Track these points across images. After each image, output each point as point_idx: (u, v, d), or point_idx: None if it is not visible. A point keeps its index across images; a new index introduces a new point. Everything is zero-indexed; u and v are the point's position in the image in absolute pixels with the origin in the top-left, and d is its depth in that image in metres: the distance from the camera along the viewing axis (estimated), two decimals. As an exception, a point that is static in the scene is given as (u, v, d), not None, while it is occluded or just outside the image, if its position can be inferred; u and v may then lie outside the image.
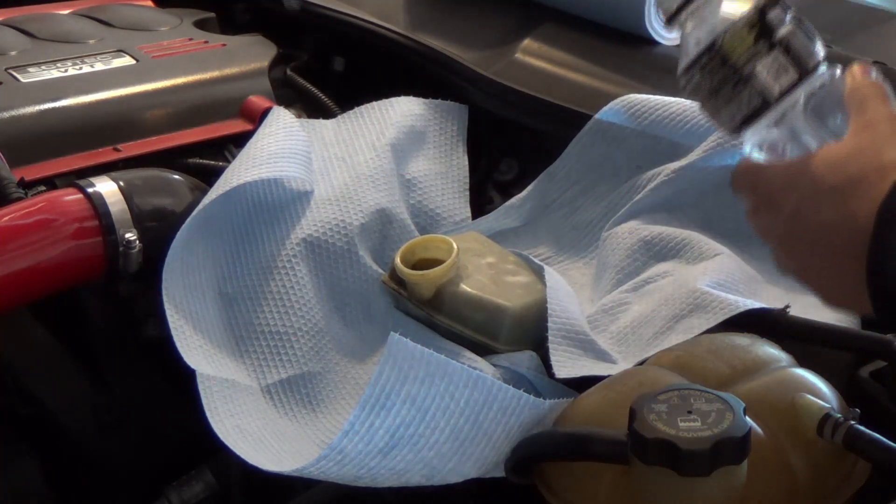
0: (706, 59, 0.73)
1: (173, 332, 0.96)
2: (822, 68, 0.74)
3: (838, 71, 0.74)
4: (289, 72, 1.35)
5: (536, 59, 1.26)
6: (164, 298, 0.97)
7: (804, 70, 0.72)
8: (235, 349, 1.01)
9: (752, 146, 0.76)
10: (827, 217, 0.68)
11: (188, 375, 0.94)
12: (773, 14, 0.72)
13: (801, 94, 0.73)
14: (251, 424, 0.94)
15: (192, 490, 1.08)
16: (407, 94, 1.25)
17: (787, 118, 0.74)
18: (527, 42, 1.29)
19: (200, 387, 0.93)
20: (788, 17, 0.73)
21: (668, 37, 1.25)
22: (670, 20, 0.78)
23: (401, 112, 1.22)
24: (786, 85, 0.72)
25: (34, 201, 1.01)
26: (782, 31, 0.72)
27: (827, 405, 0.77)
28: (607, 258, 1.07)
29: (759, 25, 0.72)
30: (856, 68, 0.74)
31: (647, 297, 0.99)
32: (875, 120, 0.69)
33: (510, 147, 1.28)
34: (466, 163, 1.22)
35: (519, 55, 1.27)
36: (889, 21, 1.43)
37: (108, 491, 1.15)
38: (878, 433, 0.75)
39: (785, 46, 0.72)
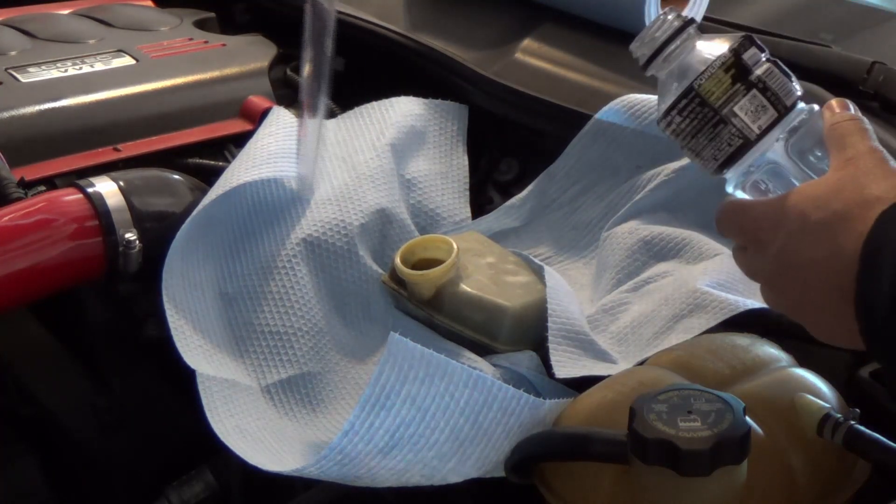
0: (685, 102, 0.74)
1: (173, 332, 0.96)
2: (800, 105, 0.75)
3: (816, 107, 0.75)
4: (289, 72, 1.35)
5: (536, 59, 1.26)
6: (164, 298, 0.97)
7: (782, 108, 0.73)
8: (235, 349, 1.01)
9: (735, 186, 0.77)
10: (815, 254, 0.68)
11: (188, 375, 0.94)
12: (749, 54, 0.74)
13: (780, 133, 0.74)
14: (251, 424, 0.94)
15: (192, 490, 1.08)
16: (407, 94, 1.25)
17: (768, 156, 0.74)
18: (527, 42, 1.28)
19: (200, 387, 0.93)
20: (763, 56, 0.74)
21: (668, 37, 1.24)
22: (646, 66, 0.78)
23: (401, 112, 1.22)
24: (765, 124, 0.73)
25: (34, 201, 1.01)
26: (758, 71, 0.74)
27: (827, 405, 0.77)
28: (607, 258, 1.07)
29: (736, 66, 0.73)
30: (833, 103, 0.74)
31: (647, 297, 0.99)
32: (856, 155, 0.70)
33: (510, 147, 1.28)
34: (466, 163, 1.22)
35: (519, 55, 1.27)
36: (889, 21, 1.44)
37: (108, 491, 1.15)
38: (878, 433, 0.75)
39: (762, 86, 0.73)
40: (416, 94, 1.25)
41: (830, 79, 1.10)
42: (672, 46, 0.77)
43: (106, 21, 1.42)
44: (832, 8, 1.47)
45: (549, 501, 0.82)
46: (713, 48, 0.75)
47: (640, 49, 0.78)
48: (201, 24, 1.46)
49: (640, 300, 0.99)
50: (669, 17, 0.77)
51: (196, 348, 0.97)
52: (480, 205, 1.24)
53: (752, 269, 0.75)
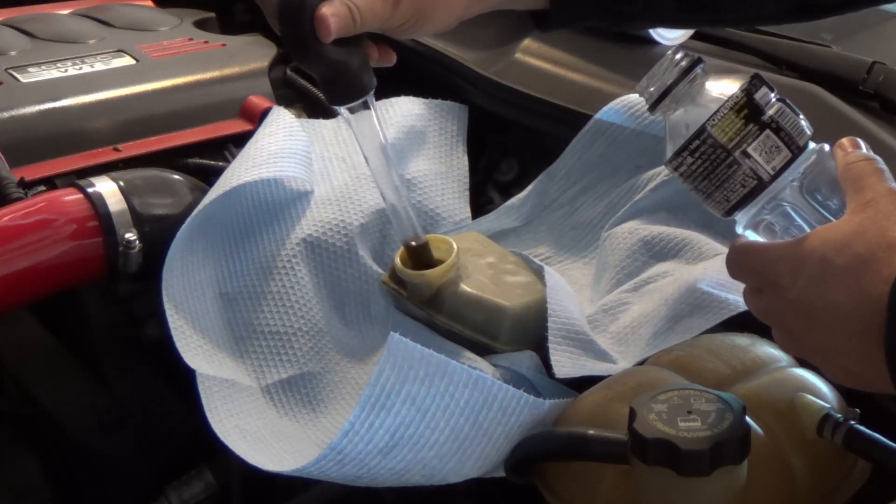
0: (696, 143, 0.73)
1: (173, 333, 0.96)
2: (812, 145, 0.74)
3: (826, 147, 0.74)
4: (289, 72, 1.35)
5: (536, 59, 1.26)
6: (164, 298, 0.97)
7: (796, 148, 0.73)
8: (235, 349, 1.01)
9: (745, 227, 0.76)
10: (838, 298, 0.67)
11: (188, 375, 0.94)
12: (760, 94, 0.73)
13: (794, 173, 0.73)
14: (251, 424, 0.94)
15: (192, 490, 1.08)
16: (407, 94, 1.25)
17: (782, 197, 0.74)
18: (527, 42, 1.28)
19: (200, 387, 0.93)
20: (773, 95, 0.74)
21: (668, 37, 1.24)
22: (653, 107, 0.77)
23: (401, 112, 1.22)
24: (779, 165, 0.72)
25: (34, 201, 1.01)
26: (770, 111, 0.73)
27: (827, 405, 0.77)
28: (607, 258, 1.07)
29: (748, 106, 0.72)
30: (845, 142, 0.74)
31: (647, 297, 0.99)
32: (875, 197, 0.69)
33: (510, 147, 1.28)
34: (466, 163, 1.22)
35: (519, 55, 1.27)
36: (889, 21, 1.44)
37: (108, 491, 1.15)
38: (878, 433, 0.75)
39: (775, 126, 0.72)
40: (416, 94, 1.25)
41: (830, 79, 1.10)
42: (680, 88, 0.76)
43: (106, 21, 1.42)
44: (832, 8, 1.47)
45: (549, 501, 0.82)
46: (722, 88, 0.74)
47: (646, 91, 0.77)
48: (201, 24, 1.46)
49: (640, 300, 0.99)
50: (677, 56, 0.76)
51: (196, 348, 0.97)
52: (480, 205, 1.24)
53: (768, 313, 0.73)
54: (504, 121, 1.25)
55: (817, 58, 1.14)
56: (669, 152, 0.75)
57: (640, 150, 1.13)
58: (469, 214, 1.19)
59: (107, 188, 1.02)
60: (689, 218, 1.07)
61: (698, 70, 0.76)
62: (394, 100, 1.24)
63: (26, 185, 1.06)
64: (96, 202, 1.00)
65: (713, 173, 0.73)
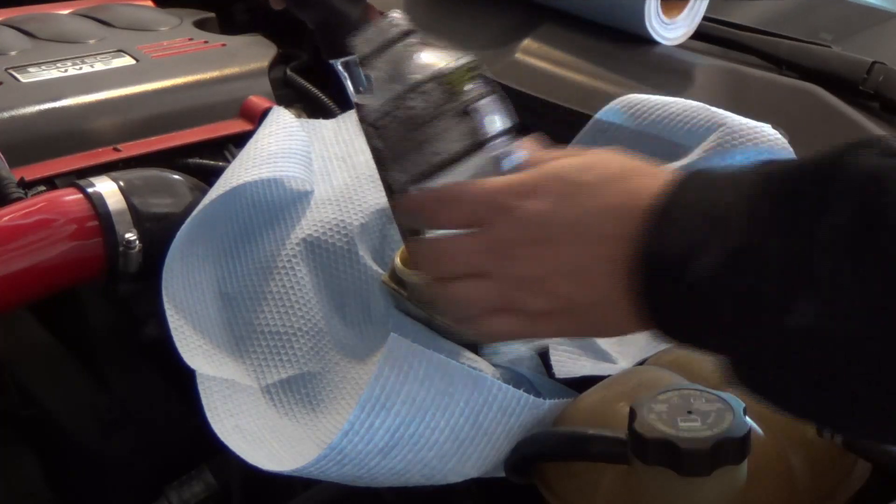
0: (406, 99, 0.73)
1: (173, 333, 0.96)
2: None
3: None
4: (289, 72, 1.35)
5: (536, 59, 1.26)
6: (164, 298, 0.97)
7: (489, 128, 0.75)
8: (235, 349, 1.01)
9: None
10: (591, 205, 0.63)
11: (188, 375, 0.94)
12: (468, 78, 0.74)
13: (491, 151, 0.74)
14: (251, 424, 0.94)
15: (192, 490, 1.08)
16: (407, 94, 1.25)
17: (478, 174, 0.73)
18: (527, 42, 1.28)
19: (200, 387, 0.93)
20: (481, 82, 0.75)
21: (668, 37, 1.25)
22: (363, 63, 0.76)
23: (401, 112, 1.22)
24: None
25: (34, 201, 1.01)
26: (473, 94, 0.74)
27: (827, 405, 0.77)
28: (607, 258, 1.07)
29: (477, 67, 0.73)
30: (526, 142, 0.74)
31: (647, 297, 0.99)
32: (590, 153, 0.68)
33: (510, 147, 1.27)
34: (466, 163, 1.22)
35: (519, 55, 1.27)
36: (889, 21, 1.44)
37: (108, 491, 1.15)
38: (878, 433, 0.75)
39: (473, 106, 0.74)
40: (416, 94, 1.25)
41: (830, 79, 1.10)
42: (393, 50, 0.76)
43: (106, 21, 1.42)
44: (832, 8, 1.47)
45: (549, 501, 0.82)
46: (433, 59, 0.75)
47: (357, 48, 0.76)
48: (201, 24, 1.46)
49: (640, 300, 0.99)
50: (395, 16, 0.77)
51: (196, 348, 0.97)
52: (480, 205, 1.23)
53: (472, 251, 0.68)
54: (504, 121, 1.25)
55: (817, 58, 1.14)
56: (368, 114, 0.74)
57: (640, 150, 1.12)
58: (469, 214, 1.19)
59: (107, 188, 1.02)
60: (689, 218, 1.07)
61: (412, 38, 0.77)
62: (394, 100, 1.24)
63: (26, 185, 1.06)
64: (96, 202, 1.00)
65: (410, 138, 0.73)
